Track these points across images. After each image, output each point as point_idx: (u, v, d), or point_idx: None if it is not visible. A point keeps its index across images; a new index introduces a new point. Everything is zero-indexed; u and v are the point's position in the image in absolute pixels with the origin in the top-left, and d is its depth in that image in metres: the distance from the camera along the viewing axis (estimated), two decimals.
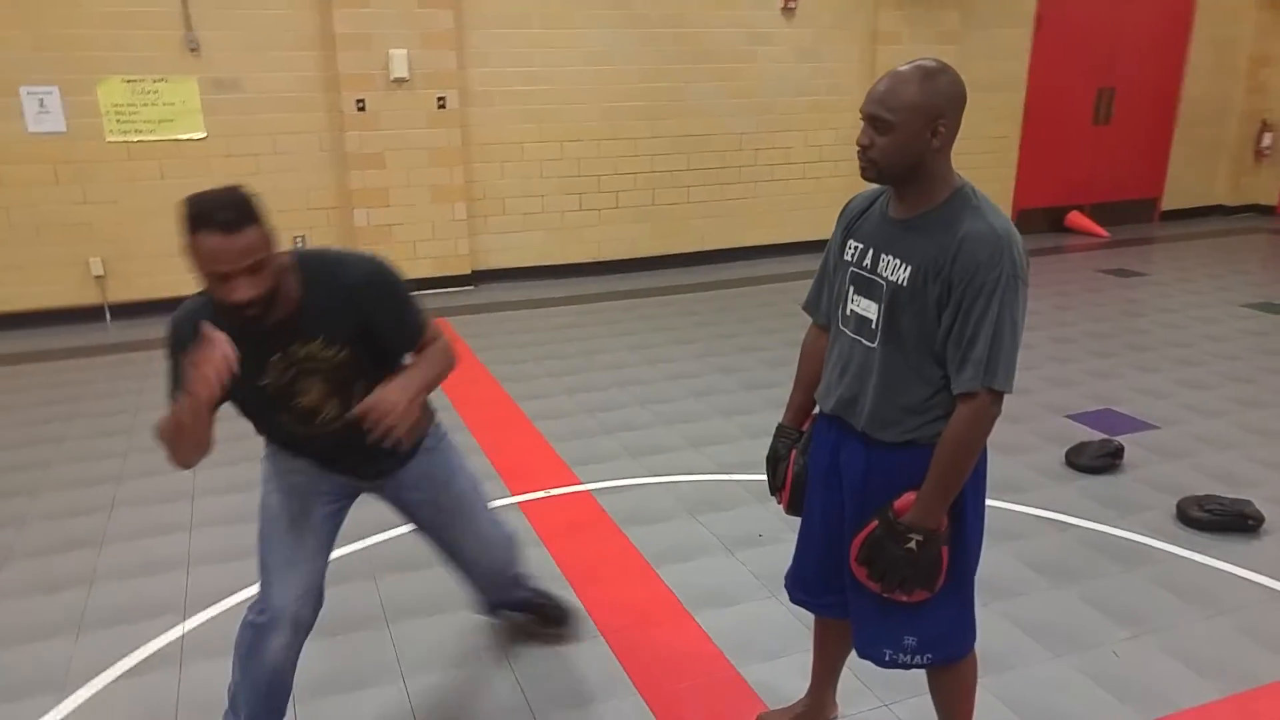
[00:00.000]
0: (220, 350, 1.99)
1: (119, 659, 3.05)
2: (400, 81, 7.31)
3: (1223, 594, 3.34)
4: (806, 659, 2.95)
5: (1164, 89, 10.10)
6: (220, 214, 1.98)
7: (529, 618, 3.11)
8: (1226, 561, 3.53)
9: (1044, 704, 2.78)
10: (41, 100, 6.72)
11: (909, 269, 2.02)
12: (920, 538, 2.03)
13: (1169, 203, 10.68)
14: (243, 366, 2.06)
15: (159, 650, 3.10)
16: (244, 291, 2.01)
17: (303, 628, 2.40)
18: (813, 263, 7.36)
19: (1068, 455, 4.36)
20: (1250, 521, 3.66)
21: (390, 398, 2.13)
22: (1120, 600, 3.31)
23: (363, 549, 3.67)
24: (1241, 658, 2.99)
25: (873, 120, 1.99)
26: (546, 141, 8.00)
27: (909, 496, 2.07)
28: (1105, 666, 2.95)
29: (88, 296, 7.04)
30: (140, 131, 6.96)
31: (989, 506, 3.82)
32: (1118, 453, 4.30)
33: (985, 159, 9.48)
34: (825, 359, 2.30)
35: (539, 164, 8.03)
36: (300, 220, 7.44)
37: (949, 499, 2.05)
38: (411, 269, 7.69)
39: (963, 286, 1.95)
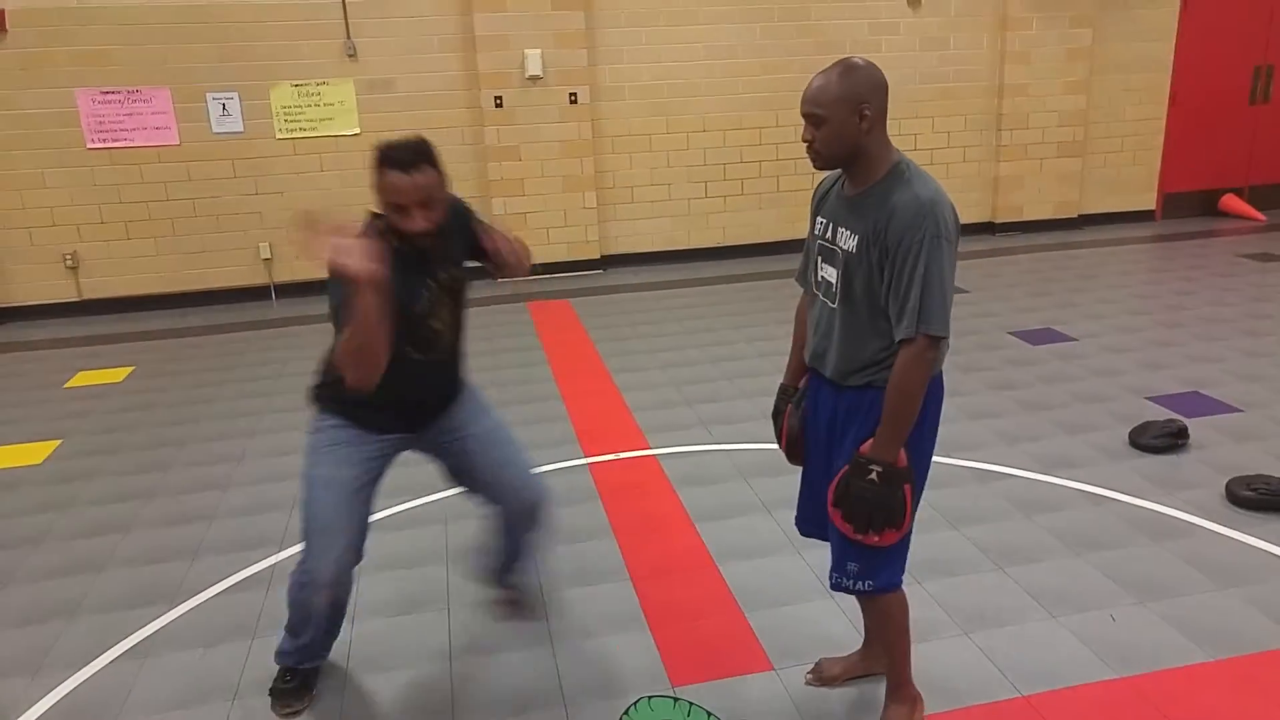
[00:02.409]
0: (347, 239, 2.30)
1: (221, 579, 3.61)
2: (535, 79, 7.82)
3: (1248, 569, 3.32)
4: (810, 609, 3.24)
5: None
6: (401, 155, 2.40)
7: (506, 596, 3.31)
8: (1264, 540, 3.48)
9: (1025, 658, 2.90)
10: (224, 105, 7.63)
11: (856, 238, 2.27)
12: (879, 469, 2.25)
13: None
14: (400, 292, 2.45)
15: (254, 574, 3.64)
16: (419, 222, 2.43)
17: (343, 583, 2.71)
18: None
19: (1130, 435, 4.33)
20: None
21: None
22: (1139, 571, 3.33)
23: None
24: (1244, 628, 3.00)
25: (809, 117, 2.25)
26: (674, 133, 8.34)
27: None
28: (1099, 629, 3.02)
29: (257, 277, 7.93)
30: (304, 130, 7.77)
31: (1032, 479, 4.01)
32: (1181, 433, 4.24)
33: (1127, 142, 9.13)
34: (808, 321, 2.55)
35: (666, 154, 8.38)
36: None
37: (901, 435, 2.25)
38: (544, 254, 8.22)
39: (894, 248, 2.18)
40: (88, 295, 7.68)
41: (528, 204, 8.16)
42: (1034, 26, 8.53)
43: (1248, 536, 3.51)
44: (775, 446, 4.39)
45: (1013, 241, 8.81)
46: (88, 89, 7.32)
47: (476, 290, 8.23)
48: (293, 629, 2.84)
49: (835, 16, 8.25)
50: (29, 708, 2.91)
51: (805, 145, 2.27)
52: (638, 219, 8.52)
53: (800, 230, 8.62)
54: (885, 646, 2.59)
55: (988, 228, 9.09)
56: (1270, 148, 9.43)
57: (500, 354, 6.28)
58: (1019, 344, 5.91)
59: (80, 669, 3.08)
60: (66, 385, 6.01)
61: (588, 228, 8.33)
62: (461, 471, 2.91)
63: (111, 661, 3.12)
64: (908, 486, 2.28)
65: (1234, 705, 2.66)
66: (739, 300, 7.35)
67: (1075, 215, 9.21)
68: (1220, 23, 8.94)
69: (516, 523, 3.02)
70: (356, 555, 2.73)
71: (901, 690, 2.61)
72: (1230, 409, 4.70)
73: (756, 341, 6.23)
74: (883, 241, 2.20)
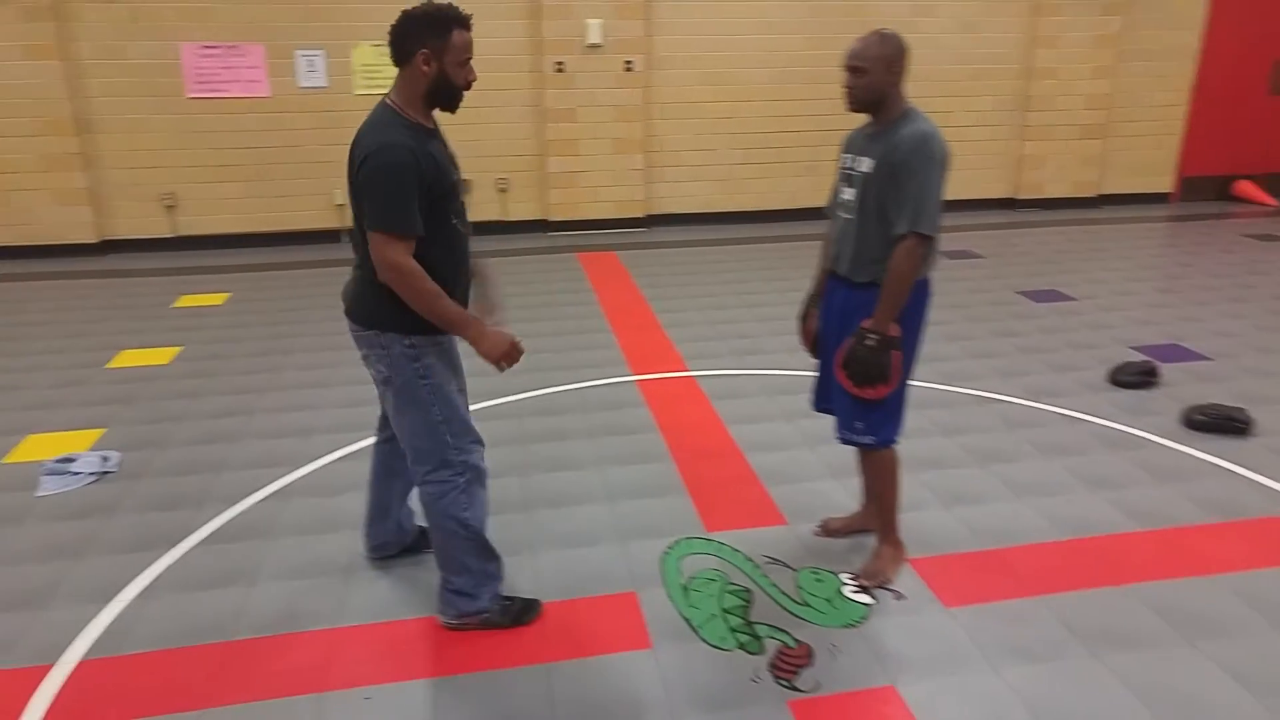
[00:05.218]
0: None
1: (334, 450, 4.37)
2: (594, 47, 8.49)
3: (1186, 472, 4.01)
4: (820, 485, 3.95)
5: None
6: (463, 14, 2.68)
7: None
8: (1206, 453, 4.17)
9: (992, 525, 3.61)
10: (310, 61, 8.37)
11: (872, 162, 2.98)
12: (876, 337, 2.95)
13: None
14: (447, 164, 2.74)
15: (360, 448, 4.37)
16: (474, 71, 2.73)
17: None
18: (972, 218, 9.08)
19: (1110, 373, 5.00)
20: (1239, 424, 4.25)
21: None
22: (1097, 471, 4.03)
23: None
24: (1173, 510, 3.70)
25: (853, 69, 2.96)
26: (720, 101, 8.98)
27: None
28: (1059, 509, 3.72)
29: (329, 221, 8.70)
30: (381, 86, 8.47)
31: (1020, 404, 4.69)
32: (1153, 372, 4.90)
33: (1149, 126, 9.66)
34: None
35: (712, 121, 9.04)
36: (504, 164, 8.80)
37: (893, 311, 2.95)
38: (593, 211, 8.94)
39: (900, 166, 2.89)
40: (182, 232, 8.47)
41: (580, 163, 8.85)
42: (1065, 12, 9.07)
43: (1193, 450, 4.19)
44: (796, 373, 5.17)
45: (1032, 216, 9.38)
46: (191, 43, 8.09)
47: (531, 242, 8.94)
48: (480, 552, 2.98)
49: None
50: (200, 527, 3.72)
51: (845, 90, 2.98)
52: (681, 181, 9.19)
53: None
54: (878, 497, 3.29)
55: (1009, 203, 9.68)
56: None
57: (555, 294, 6.99)
58: (1024, 301, 6.57)
59: (234, 504, 3.87)
60: (175, 305, 6.81)
61: (634, 188, 9.01)
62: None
63: (258, 502, 3.91)
64: (896, 353, 2.99)
65: (1155, 559, 3.35)
66: (772, 259, 8.01)
67: (1094, 195, 9.77)
68: (1246, 14, 9.44)
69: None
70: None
71: (890, 534, 3.31)
72: (1202, 357, 5.36)
73: (786, 292, 6.89)
74: (891, 162, 2.90)
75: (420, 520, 3.30)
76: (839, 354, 3.10)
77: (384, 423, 3.20)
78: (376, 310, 2.78)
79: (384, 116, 2.71)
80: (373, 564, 3.41)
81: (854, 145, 3.13)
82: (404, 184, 2.59)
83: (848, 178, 3.10)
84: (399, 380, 2.82)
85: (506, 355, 2.77)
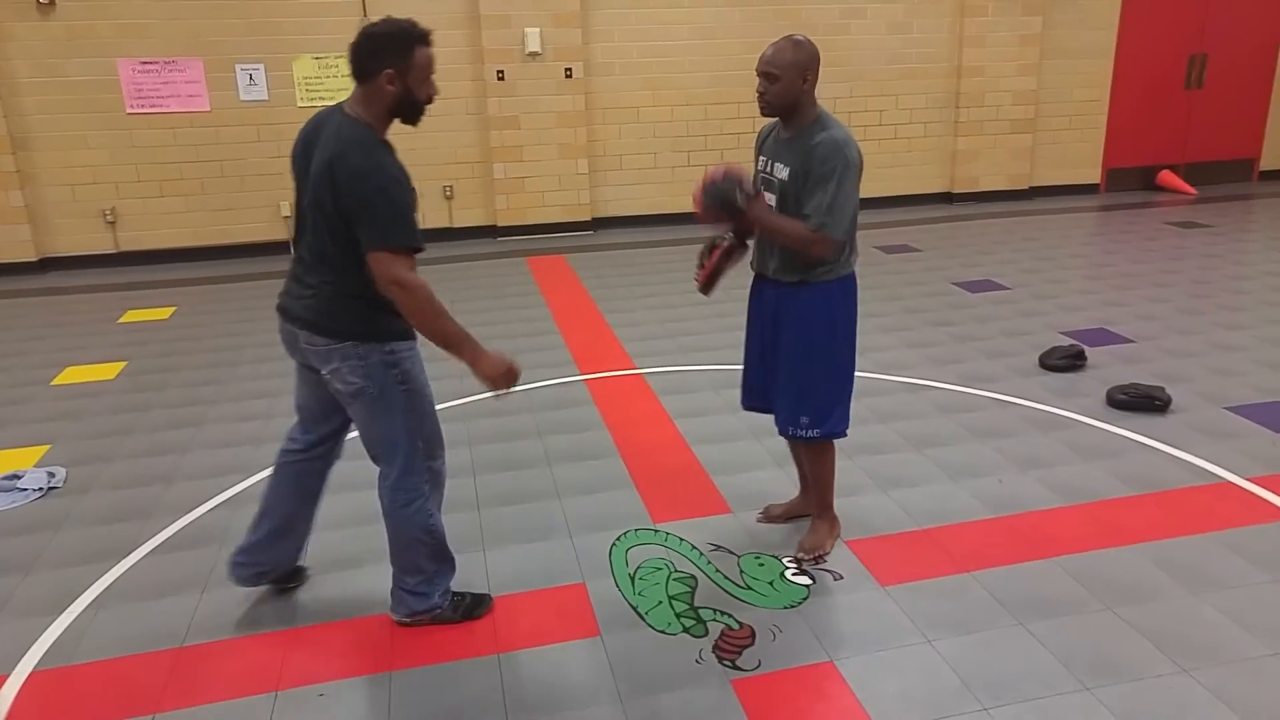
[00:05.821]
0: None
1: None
2: (534, 55, 8.58)
3: (1110, 449, 4.20)
4: (762, 474, 4.08)
5: (1260, 52, 10.31)
6: (427, 31, 2.70)
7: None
8: (1128, 430, 4.37)
9: (926, 506, 3.75)
10: (250, 75, 8.36)
11: (788, 169, 3.07)
12: (741, 203, 3.00)
13: (1268, 163, 10.85)
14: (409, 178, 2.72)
15: None
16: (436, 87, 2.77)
17: None
18: (911, 213, 9.32)
19: (1040, 357, 5.22)
20: (1157, 403, 4.47)
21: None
22: (1026, 451, 4.20)
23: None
24: (1097, 485, 3.88)
25: (766, 75, 3.04)
26: (659, 106, 9.12)
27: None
28: (990, 489, 3.88)
29: (276, 233, 8.68)
30: (323, 98, 8.47)
31: (954, 390, 4.87)
32: (1079, 355, 5.13)
33: (1074, 121, 10.00)
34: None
35: (652, 125, 9.17)
36: (450, 172, 8.86)
37: (766, 227, 3.07)
38: (540, 215, 9.03)
39: (816, 173, 2.98)
40: (124, 248, 8.40)
41: (525, 169, 8.93)
42: (989, 13, 9.36)
43: (1116, 428, 4.39)
44: (742, 368, 5.28)
45: (968, 210, 9.67)
46: (128, 59, 8.04)
47: (479, 247, 9.01)
48: (436, 555, 3.05)
49: (809, 1, 9.04)
50: (150, 537, 3.75)
51: (758, 95, 3.07)
52: (626, 184, 9.31)
53: None
54: (816, 480, 3.41)
55: (946, 197, 9.96)
56: (1203, 129, 10.38)
57: (505, 298, 7.07)
58: (960, 292, 6.78)
59: (185, 514, 3.90)
60: (120, 320, 6.78)
61: (580, 192, 9.11)
62: None
63: (209, 510, 3.94)
64: (727, 222, 3.13)
65: (1079, 532, 3.52)
66: None
67: (1027, 187, 10.08)
68: (1159, 14, 9.83)
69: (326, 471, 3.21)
70: None
71: (826, 512, 3.45)
72: (1126, 340, 5.61)
73: (732, 290, 6.94)
74: (807, 168, 3.00)
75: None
76: (712, 172, 3.08)
77: (298, 434, 3.14)
78: (353, 322, 2.79)
79: (360, 134, 2.69)
80: (323, 567, 3.46)
81: (768, 149, 3.20)
82: (406, 201, 2.67)
83: (767, 183, 3.18)
84: (375, 389, 2.82)
85: (505, 376, 2.82)
